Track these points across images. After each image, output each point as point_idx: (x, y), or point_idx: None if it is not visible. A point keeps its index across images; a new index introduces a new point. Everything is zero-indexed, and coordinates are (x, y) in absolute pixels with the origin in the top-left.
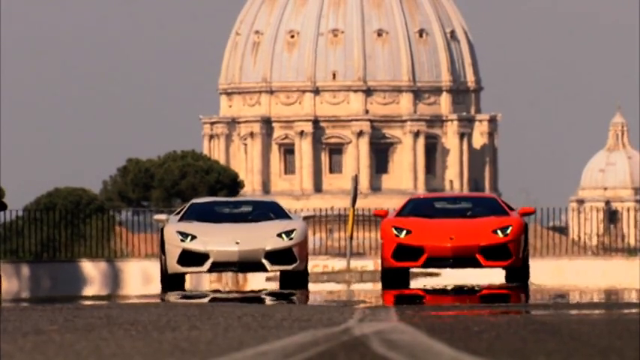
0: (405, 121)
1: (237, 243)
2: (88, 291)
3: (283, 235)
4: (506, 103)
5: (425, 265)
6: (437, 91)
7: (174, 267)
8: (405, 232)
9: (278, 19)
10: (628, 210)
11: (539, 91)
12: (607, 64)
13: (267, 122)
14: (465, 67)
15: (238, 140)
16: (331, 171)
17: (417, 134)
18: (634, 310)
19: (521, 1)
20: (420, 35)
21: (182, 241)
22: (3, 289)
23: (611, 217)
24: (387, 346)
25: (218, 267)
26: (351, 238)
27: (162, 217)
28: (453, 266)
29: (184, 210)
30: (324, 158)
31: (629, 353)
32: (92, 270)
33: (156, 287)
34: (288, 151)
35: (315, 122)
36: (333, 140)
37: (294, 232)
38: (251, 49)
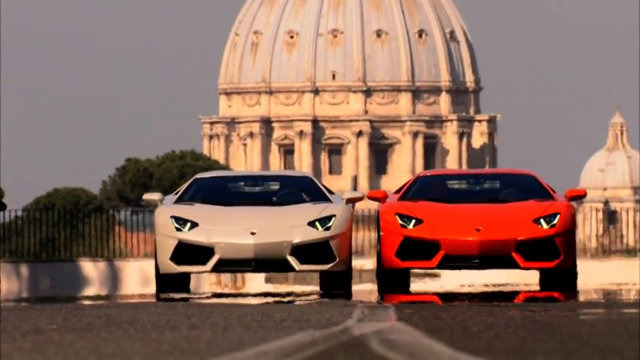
0: (404, 121)
1: (253, 233)
2: (87, 291)
3: (317, 224)
4: (506, 103)
5: (440, 266)
6: (436, 91)
7: (166, 265)
8: (414, 221)
9: (277, 19)
10: (627, 210)
11: (539, 91)
12: (607, 64)
13: (266, 122)
14: (465, 67)
15: (238, 140)
16: (331, 172)
17: (416, 134)
18: (634, 310)
19: (520, 1)
20: (420, 36)
21: (178, 229)
22: (2, 288)
23: (610, 217)
24: (386, 345)
25: (226, 265)
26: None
27: (154, 196)
28: (478, 267)
29: (185, 188)
30: (324, 159)
31: (629, 353)
32: (91, 270)
33: (153, 287)
34: (287, 151)
35: (315, 122)
36: (332, 141)
37: (333, 220)
38: (250, 50)
